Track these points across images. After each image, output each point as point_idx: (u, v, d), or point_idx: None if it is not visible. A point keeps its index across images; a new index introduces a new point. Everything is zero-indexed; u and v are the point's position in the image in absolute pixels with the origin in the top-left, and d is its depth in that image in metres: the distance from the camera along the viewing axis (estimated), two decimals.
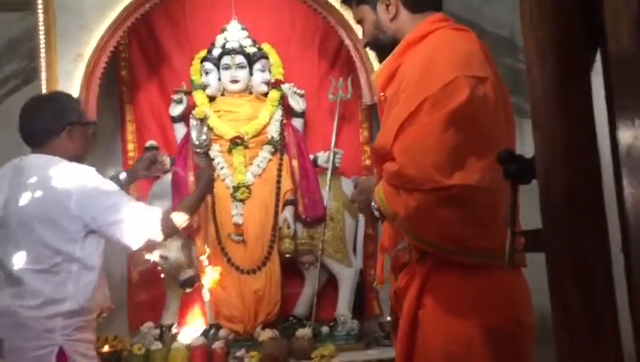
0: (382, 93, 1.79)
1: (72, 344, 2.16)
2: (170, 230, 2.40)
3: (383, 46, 1.82)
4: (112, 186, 2.31)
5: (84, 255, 2.20)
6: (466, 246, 1.59)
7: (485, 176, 1.54)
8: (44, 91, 2.96)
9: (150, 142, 3.16)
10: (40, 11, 2.99)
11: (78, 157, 2.33)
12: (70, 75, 2.99)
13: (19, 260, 2.19)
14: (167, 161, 2.97)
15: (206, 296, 3.08)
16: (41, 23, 2.99)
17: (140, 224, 2.26)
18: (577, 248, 0.88)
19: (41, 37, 2.99)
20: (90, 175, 2.26)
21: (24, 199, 2.21)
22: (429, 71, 1.61)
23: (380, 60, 1.87)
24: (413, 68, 1.66)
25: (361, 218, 3.26)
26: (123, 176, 2.68)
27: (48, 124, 2.30)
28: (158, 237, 2.33)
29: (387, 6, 1.77)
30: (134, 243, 2.27)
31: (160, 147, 3.20)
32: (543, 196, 0.91)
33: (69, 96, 2.56)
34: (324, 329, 3.08)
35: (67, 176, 2.22)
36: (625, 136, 0.74)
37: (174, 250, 3.06)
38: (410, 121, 1.58)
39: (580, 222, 0.87)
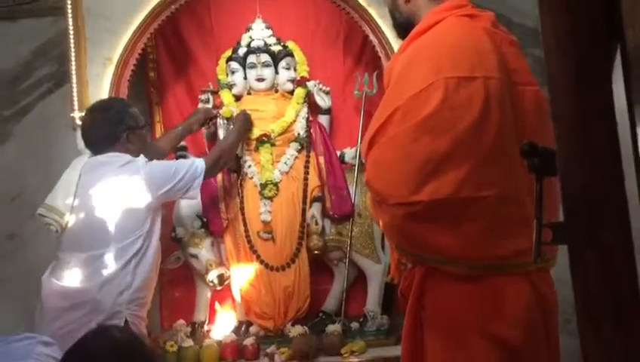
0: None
1: (135, 319, 2.43)
2: (213, 172, 2.76)
3: (398, 25, 1.80)
4: (163, 162, 2.65)
5: (147, 235, 2.48)
6: (452, 256, 1.54)
7: (464, 185, 1.48)
8: (75, 95, 3.02)
9: (180, 144, 3.19)
10: (69, 16, 3.06)
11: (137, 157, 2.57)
12: (100, 78, 3.05)
13: (90, 244, 2.45)
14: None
15: (236, 293, 3.12)
16: (70, 28, 3.05)
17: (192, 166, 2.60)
18: (599, 240, 0.88)
19: (71, 41, 3.05)
20: (148, 162, 2.55)
21: (95, 190, 2.47)
22: (405, 77, 1.55)
23: (397, 35, 1.85)
24: (398, 69, 1.62)
25: None
26: (179, 129, 3.01)
27: (108, 132, 2.56)
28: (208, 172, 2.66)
29: None
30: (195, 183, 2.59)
31: (188, 147, 3.25)
32: (564, 189, 0.91)
33: (124, 102, 2.82)
34: (354, 325, 3.09)
35: (135, 166, 2.51)
36: None
37: (204, 248, 3.10)
38: (380, 132, 1.54)
39: (602, 214, 0.87)
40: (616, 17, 0.81)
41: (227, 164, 2.97)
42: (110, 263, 2.42)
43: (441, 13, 1.67)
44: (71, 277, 2.44)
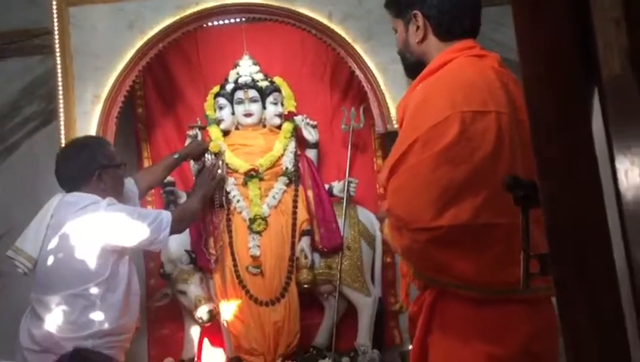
0: (400, 125, 1.81)
1: None
2: (178, 228, 2.63)
3: (408, 65, 1.85)
4: (128, 208, 2.54)
5: (109, 280, 2.41)
6: (467, 281, 1.59)
7: (481, 212, 1.54)
8: (62, 132, 3.04)
9: (167, 179, 3.20)
10: (58, 54, 3.08)
11: (111, 196, 2.51)
12: (88, 115, 3.06)
13: (52, 287, 2.39)
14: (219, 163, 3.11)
15: (225, 329, 3.09)
16: (59, 66, 3.08)
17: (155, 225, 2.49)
18: (584, 272, 0.89)
19: (60, 79, 3.07)
20: (112, 206, 2.46)
21: (58, 233, 2.42)
22: (423, 109, 1.63)
23: (406, 75, 1.90)
24: (413, 104, 1.68)
25: (379, 246, 3.27)
26: (176, 156, 2.99)
27: (79, 170, 2.51)
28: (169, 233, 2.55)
29: (417, 28, 1.77)
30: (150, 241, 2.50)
31: (176, 182, 3.26)
32: (548, 222, 0.92)
33: (99, 140, 2.78)
34: (345, 359, 3.07)
35: (95, 209, 2.43)
36: (622, 161, 0.76)
37: (193, 284, 3.09)
38: (401, 160, 1.61)
39: (586, 246, 0.89)
40: (593, 56, 0.84)
41: (190, 225, 2.90)
42: (72, 308, 2.36)
43: (451, 54, 1.73)
44: (38, 320, 2.40)
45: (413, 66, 1.81)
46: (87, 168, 2.50)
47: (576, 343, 0.90)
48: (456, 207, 1.54)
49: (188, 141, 3.27)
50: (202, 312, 3.01)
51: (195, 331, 3.19)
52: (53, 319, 2.38)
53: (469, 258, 1.57)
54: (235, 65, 3.34)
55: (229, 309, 3.06)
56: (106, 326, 2.38)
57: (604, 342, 0.88)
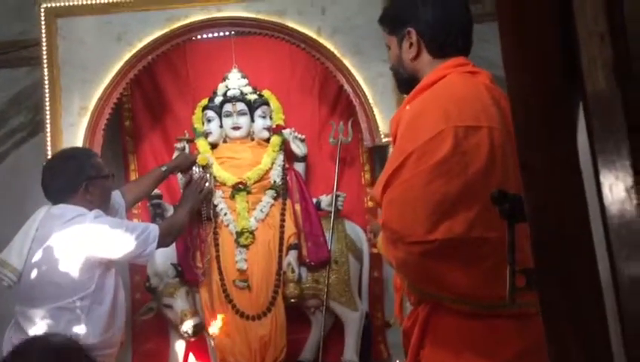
0: (393, 139, 1.83)
1: None
2: (165, 242, 2.60)
3: (401, 81, 1.86)
4: (115, 221, 2.53)
5: (95, 294, 2.38)
6: (460, 294, 1.60)
7: (474, 226, 1.55)
8: (49, 144, 3.02)
9: (154, 191, 3.19)
10: (45, 66, 3.07)
11: (97, 208, 2.49)
12: (75, 127, 3.05)
13: (35, 301, 2.37)
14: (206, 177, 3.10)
15: (211, 343, 3.06)
16: (46, 78, 3.07)
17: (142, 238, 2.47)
18: (569, 286, 0.89)
19: (46, 91, 3.06)
20: (98, 218, 2.44)
21: (43, 246, 2.40)
22: (417, 124, 1.64)
23: (399, 90, 1.93)
24: (407, 119, 1.69)
25: (366, 260, 3.27)
26: (164, 168, 2.98)
27: (66, 182, 2.48)
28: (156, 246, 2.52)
29: (410, 45, 1.78)
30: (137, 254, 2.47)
31: (163, 195, 3.24)
32: (533, 236, 0.92)
33: (87, 151, 2.75)
34: None
35: (81, 221, 2.40)
36: (606, 175, 0.76)
37: (179, 298, 3.06)
38: (395, 175, 1.62)
39: (571, 260, 0.89)
40: (577, 71, 0.85)
41: (176, 238, 2.84)
42: (57, 321, 2.33)
43: (444, 70, 1.76)
44: (22, 334, 2.35)
45: (407, 82, 1.83)
46: (74, 180, 2.48)
47: (561, 357, 0.89)
48: (450, 221, 1.55)
49: (175, 154, 3.25)
50: (188, 326, 2.98)
51: (180, 346, 3.15)
52: (38, 332, 2.34)
53: (463, 271, 1.58)
54: (224, 79, 3.34)
55: (214, 323, 3.04)
56: (91, 340, 2.35)
57: (589, 356, 0.88)
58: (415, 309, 1.72)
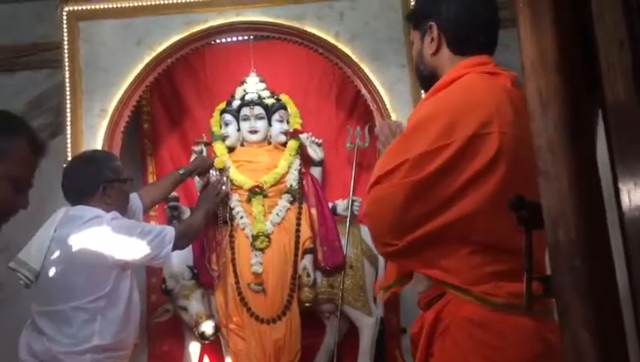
0: None
1: None
2: (181, 244, 2.63)
3: (422, 77, 1.85)
4: (132, 223, 2.56)
5: (110, 294, 2.40)
6: (458, 279, 1.60)
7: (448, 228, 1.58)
8: (69, 146, 3.06)
9: (171, 194, 3.21)
10: (67, 69, 3.11)
11: (115, 210, 2.52)
12: (94, 129, 3.08)
13: (52, 301, 2.40)
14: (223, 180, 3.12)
15: (226, 346, 3.07)
16: (67, 80, 3.11)
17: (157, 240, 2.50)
18: (587, 295, 0.88)
19: (67, 93, 3.10)
20: (115, 220, 2.47)
21: (61, 246, 2.43)
22: (419, 132, 1.63)
23: (420, 87, 1.91)
24: (415, 120, 1.68)
25: (381, 265, 3.26)
26: (182, 171, 3.00)
27: (85, 184, 2.52)
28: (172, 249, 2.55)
29: (432, 40, 1.76)
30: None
31: (180, 198, 3.26)
32: (550, 244, 0.92)
33: (106, 154, 2.79)
34: None
35: (99, 223, 2.43)
36: (625, 182, 0.75)
37: (194, 300, 3.07)
38: (386, 176, 1.62)
39: (589, 269, 0.88)
40: (597, 76, 0.84)
41: (192, 241, 2.88)
42: (71, 322, 2.36)
43: (463, 69, 1.72)
44: (38, 334, 2.39)
45: (427, 79, 1.80)
46: (93, 181, 2.51)
47: None
48: (421, 229, 1.58)
49: (193, 157, 3.27)
50: (207, 326, 2.99)
51: (195, 348, 3.17)
52: (53, 332, 2.37)
53: (447, 256, 1.59)
54: (242, 82, 3.36)
55: (229, 326, 3.04)
56: (105, 340, 2.37)
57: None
58: (422, 315, 1.70)
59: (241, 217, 3.17)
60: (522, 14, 0.94)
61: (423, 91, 1.94)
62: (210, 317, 3.07)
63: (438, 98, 1.71)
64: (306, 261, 3.15)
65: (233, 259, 3.13)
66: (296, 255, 3.14)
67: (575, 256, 0.90)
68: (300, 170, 3.28)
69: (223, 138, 3.31)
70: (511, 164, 1.59)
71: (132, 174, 3.43)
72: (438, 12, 1.75)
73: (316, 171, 3.35)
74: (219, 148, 3.28)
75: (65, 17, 3.15)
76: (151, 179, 3.43)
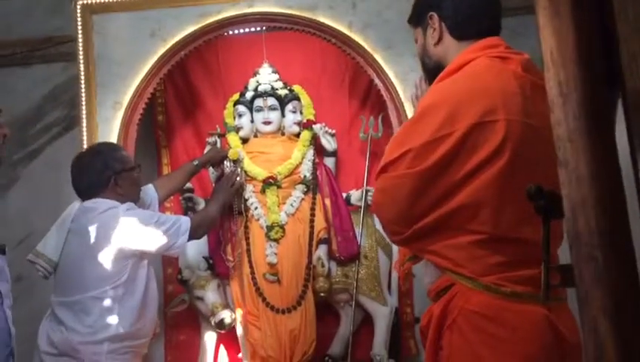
0: None
1: None
2: (196, 235, 2.65)
3: (428, 70, 1.83)
4: (147, 213, 2.59)
5: (127, 283, 2.43)
6: (465, 267, 1.60)
7: (455, 215, 1.59)
8: (84, 138, 3.08)
9: (186, 185, 3.23)
10: (81, 62, 3.13)
11: (129, 200, 2.55)
12: (109, 121, 3.10)
13: (69, 291, 2.45)
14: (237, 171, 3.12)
15: (242, 336, 3.10)
16: (81, 73, 3.13)
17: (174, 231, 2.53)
18: (608, 285, 0.88)
19: (82, 86, 3.12)
20: (130, 210, 2.51)
21: (78, 237, 2.47)
22: (424, 120, 1.62)
23: (427, 80, 1.88)
24: (420, 109, 1.67)
25: (395, 255, 3.26)
26: (196, 162, 3.02)
27: (95, 179, 2.54)
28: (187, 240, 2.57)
29: (433, 30, 1.75)
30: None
31: (195, 189, 3.28)
32: (571, 233, 0.92)
33: (111, 146, 2.79)
34: None
35: (114, 214, 2.47)
36: None
37: (210, 291, 3.10)
38: (392, 164, 1.64)
39: (609, 259, 0.88)
40: (617, 66, 0.84)
41: (208, 231, 2.89)
42: (89, 311, 2.40)
43: (472, 53, 1.69)
44: (57, 323, 2.43)
45: (433, 71, 1.77)
46: (101, 175, 2.54)
47: (597, 354, 0.89)
48: (427, 218, 1.61)
49: (207, 148, 3.28)
50: (226, 315, 3.02)
51: (211, 337, 3.20)
52: (72, 322, 2.41)
53: (454, 245, 1.60)
54: (255, 74, 3.36)
55: (245, 316, 3.07)
56: (123, 329, 2.41)
57: (626, 353, 0.87)
58: (430, 308, 1.69)
59: (256, 208, 3.18)
60: (541, 3, 0.94)
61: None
62: (226, 307, 3.09)
63: (444, 85, 1.68)
64: (321, 251, 3.16)
65: (248, 250, 3.14)
66: (310, 245, 3.15)
67: (595, 246, 0.90)
68: (314, 160, 3.28)
69: (237, 129, 3.32)
70: (518, 152, 1.56)
71: (147, 166, 3.46)
72: (437, 2, 1.75)
73: (330, 161, 3.36)
74: (232, 139, 3.30)
75: (79, 10, 3.16)
76: (166, 170, 3.45)
